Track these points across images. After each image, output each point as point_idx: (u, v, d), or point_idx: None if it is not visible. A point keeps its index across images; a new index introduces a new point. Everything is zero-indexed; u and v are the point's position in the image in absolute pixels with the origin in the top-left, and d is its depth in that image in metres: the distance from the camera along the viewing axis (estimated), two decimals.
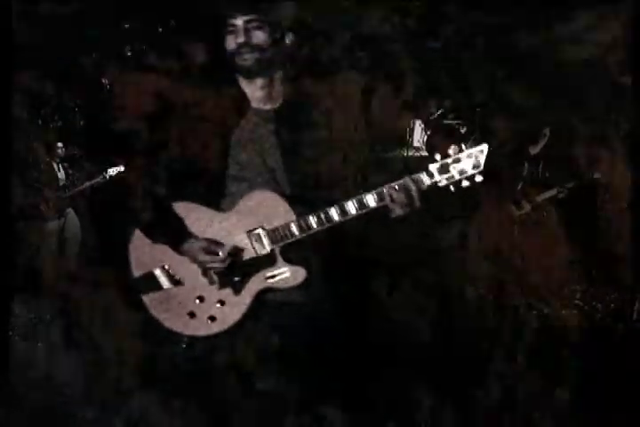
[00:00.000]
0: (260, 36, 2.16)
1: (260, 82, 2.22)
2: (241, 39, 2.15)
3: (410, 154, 5.61)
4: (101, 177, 5.31)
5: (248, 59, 2.16)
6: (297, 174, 2.17)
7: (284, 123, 2.20)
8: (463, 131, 5.11)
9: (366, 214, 2.06)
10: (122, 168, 5.73)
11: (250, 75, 2.19)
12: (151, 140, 2.22)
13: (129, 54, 6.12)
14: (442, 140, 5.44)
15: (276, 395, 2.14)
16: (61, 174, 5.57)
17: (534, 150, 4.53)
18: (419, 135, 5.96)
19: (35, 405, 2.65)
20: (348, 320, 2.49)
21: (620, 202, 2.93)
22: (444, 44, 2.76)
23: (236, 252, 2.08)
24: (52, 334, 3.24)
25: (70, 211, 5.50)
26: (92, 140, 5.68)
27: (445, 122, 5.47)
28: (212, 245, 2.08)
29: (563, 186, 3.72)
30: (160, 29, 6.24)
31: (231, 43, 2.19)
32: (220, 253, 2.06)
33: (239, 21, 2.15)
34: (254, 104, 2.23)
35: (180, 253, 2.10)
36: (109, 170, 5.29)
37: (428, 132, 5.73)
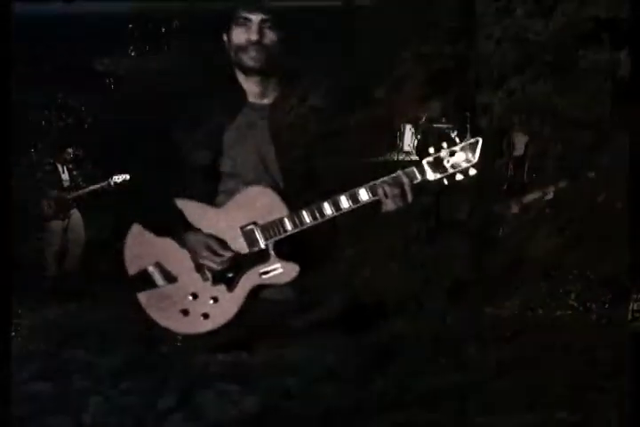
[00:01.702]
0: (271, 37, 2.04)
1: (258, 78, 2.10)
2: (254, 37, 2.02)
3: (400, 158, 5.54)
4: (106, 183, 5.22)
5: (256, 58, 2.04)
6: (291, 170, 2.07)
7: (279, 118, 2.09)
8: (454, 135, 5.04)
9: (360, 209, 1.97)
10: (127, 176, 5.68)
11: (252, 73, 2.07)
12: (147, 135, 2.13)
13: (132, 54, 6.07)
14: (432, 144, 5.35)
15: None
16: (65, 176, 5.46)
17: (518, 152, 4.43)
18: (409, 140, 5.89)
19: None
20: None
21: (616, 202, 2.84)
22: None
23: (239, 256, 1.98)
24: (56, 336, 3.11)
25: (75, 211, 5.39)
26: (95, 142, 5.61)
27: (435, 126, 5.39)
28: (218, 245, 1.98)
29: (550, 187, 3.63)
30: (163, 30, 6.21)
31: (240, 37, 2.05)
32: (224, 255, 1.97)
33: (255, 17, 2.01)
34: (251, 98, 2.11)
35: (182, 244, 2.01)
36: (115, 177, 5.19)
37: (418, 137, 5.66)
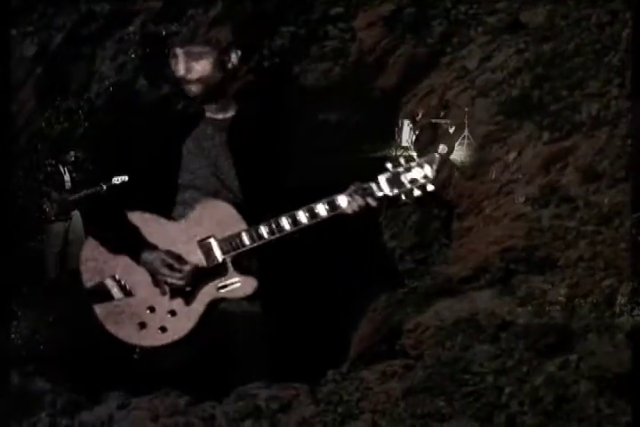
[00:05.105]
0: (198, 69, 1.97)
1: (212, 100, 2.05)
2: (181, 72, 1.96)
3: (398, 153, 5.47)
4: (105, 185, 5.14)
5: (193, 90, 1.98)
6: (249, 183, 2.02)
7: (236, 132, 2.04)
8: (451, 130, 4.98)
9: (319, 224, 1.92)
10: (126, 178, 5.62)
11: (199, 100, 2.03)
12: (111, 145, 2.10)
13: (133, 56, 6.04)
14: (430, 139, 5.29)
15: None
16: (67, 177, 5.44)
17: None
18: (407, 135, 5.83)
19: None
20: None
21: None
22: None
23: (197, 270, 1.94)
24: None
25: (76, 213, 5.36)
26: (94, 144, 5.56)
27: (433, 121, 5.33)
28: (175, 260, 1.93)
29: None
30: (165, 32, 6.19)
31: (174, 70, 2.00)
32: (183, 270, 1.93)
33: (179, 51, 1.95)
34: (208, 113, 2.06)
35: (138, 262, 1.96)
36: (114, 179, 5.11)
37: (417, 132, 5.60)
